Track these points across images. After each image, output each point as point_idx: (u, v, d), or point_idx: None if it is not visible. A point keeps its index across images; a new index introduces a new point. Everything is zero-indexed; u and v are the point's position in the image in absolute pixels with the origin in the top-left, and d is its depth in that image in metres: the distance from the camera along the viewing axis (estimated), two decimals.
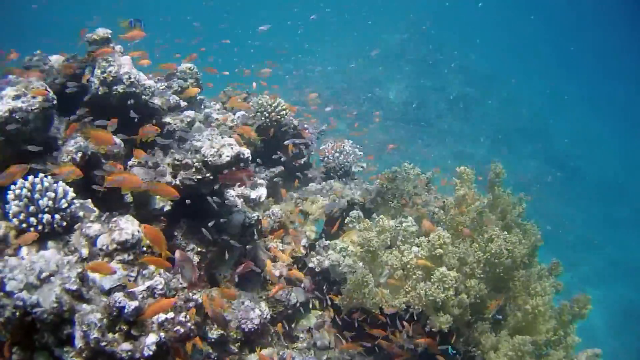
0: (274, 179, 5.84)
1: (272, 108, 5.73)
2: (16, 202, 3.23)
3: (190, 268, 3.38)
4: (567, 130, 22.17)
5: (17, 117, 3.40)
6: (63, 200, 3.31)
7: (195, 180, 4.12)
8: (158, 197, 4.12)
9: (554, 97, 24.14)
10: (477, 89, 21.78)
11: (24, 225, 3.25)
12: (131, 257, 3.21)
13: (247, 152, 4.25)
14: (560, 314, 4.46)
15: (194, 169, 4.12)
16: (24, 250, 3.27)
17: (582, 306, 4.53)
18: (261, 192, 5.00)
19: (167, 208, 4.16)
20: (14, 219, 3.24)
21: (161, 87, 4.80)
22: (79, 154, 3.70)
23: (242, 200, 4.81)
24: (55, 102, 3.66)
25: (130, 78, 4.35)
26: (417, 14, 24.57)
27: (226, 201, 4.49)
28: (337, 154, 6.37)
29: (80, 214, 3.46)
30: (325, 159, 6.41)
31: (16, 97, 3.43)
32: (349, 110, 16.53)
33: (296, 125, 6.08)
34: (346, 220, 5.27)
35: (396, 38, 23.40)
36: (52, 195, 3.29)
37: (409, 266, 4.48)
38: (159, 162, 4.42)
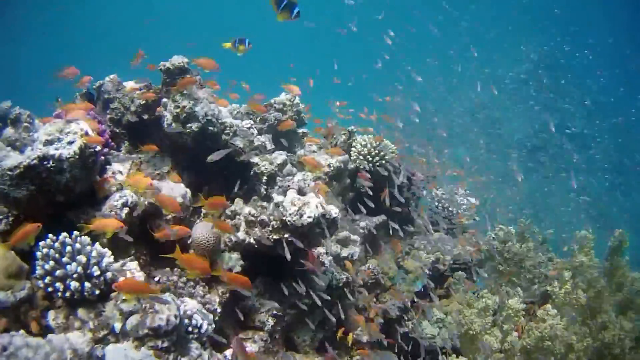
0: (374, 230, 5.03)
1: (376, 152, 4.93)
2: (42, 263, 2.64)
3: None
4: None
5: (48, 165, 2.79)
6: (95, 268, 2.66)
7: (272, 240, 3.40)
8: (227, 256, 3.45)
9: None
10: (603, 126, 19.56)
11: (50, 289, 2.65)
12: (166, 344, 2.51)
13: (334, 212, 3.48)
14: None
15: (270, 228, 3.40)
16: (51, 315, 2.67)
17: None
18: (353, 251, 4.20)
19: (238, 269, 3.46)
20: (40, 282, 2.64)
21: (246, 125, 4.12)
22: (125, 210, 3.06)
23: (330, 258, 4.03)
24: (97, 148, 3.03)
25: (207, 115, 3.71)
26: (536, 47, 22.59)
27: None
28: (446, 204, 5.48)
29: (121, 279, 2.82)
30: (434, 208, 5.53)
31: (48, 143, 2.84)
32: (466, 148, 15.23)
33: (401, 170, 5.25)
34: (449, 282, 4.63)
35: (515, 72, 21.56)
36: (84, 260, 2.65)
37: (509, 352, 3.82)
38: (237, 210, 3.75)
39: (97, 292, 2.69)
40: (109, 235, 2.85)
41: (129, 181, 3.06)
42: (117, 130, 4.06)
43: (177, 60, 3.89)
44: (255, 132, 4.21)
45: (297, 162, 4.61)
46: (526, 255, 4.69)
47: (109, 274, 2.72)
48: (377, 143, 5.01)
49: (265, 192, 4.37)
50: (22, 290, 2.67)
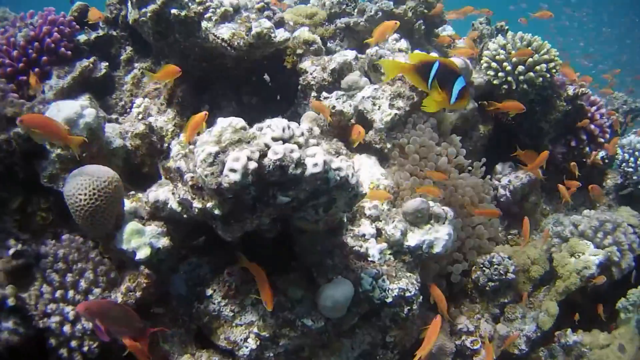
0: (520, 192, 2.97)
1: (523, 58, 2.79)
2: None
3: None
4: None
5: None
6: None
7: (196, 210, 1.63)
8: (134, 227, 1.81)
9: None
10: None
11: None
12: None
13: (316, 161, 1.53)
14: None
15: (187, 187, 1.65)
16: None
17: None
18: (433, 237, 2.16)
19: (144, 254, 1.79)
20: None
21: (258, 4, 2.26)
22: None
23: (378, 248, 2.15)
24: None
25: None
26: None
27: None
28: None
29: None
30: (625, 164, 3.20)
31: None
32: None
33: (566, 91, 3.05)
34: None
35: None
36: None
37: None
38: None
39: None
40: None
41: None
42: (115, 34, 2.65)
43: None
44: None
45: (372, 66, 2.64)
46: None
47: None
48: (526, 42, 2.84)
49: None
50: None
